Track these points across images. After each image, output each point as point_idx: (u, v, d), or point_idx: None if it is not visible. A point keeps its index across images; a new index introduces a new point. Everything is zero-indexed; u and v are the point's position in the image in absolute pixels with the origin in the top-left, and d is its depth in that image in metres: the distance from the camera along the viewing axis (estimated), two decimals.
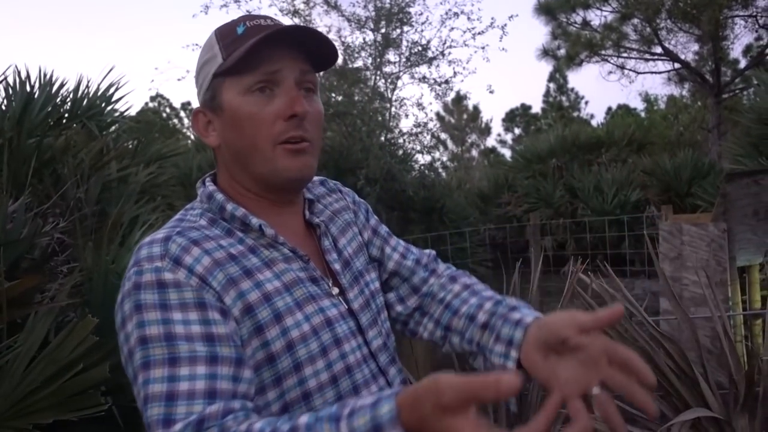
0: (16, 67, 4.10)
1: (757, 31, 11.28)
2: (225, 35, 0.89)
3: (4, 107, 3.69)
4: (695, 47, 11.78)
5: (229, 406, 0.73)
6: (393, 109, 9.56)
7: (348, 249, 1.00)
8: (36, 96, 3.71)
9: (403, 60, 9.43)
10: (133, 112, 4.90)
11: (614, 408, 0.72)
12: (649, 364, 1.47)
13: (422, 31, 9.55)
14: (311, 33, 0.87)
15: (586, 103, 37.08)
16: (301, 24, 0.89)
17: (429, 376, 0.61)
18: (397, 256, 1.07)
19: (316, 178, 1.06)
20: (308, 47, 0.88)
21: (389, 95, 9.53)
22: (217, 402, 0.73)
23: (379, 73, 9.56)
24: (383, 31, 9.40)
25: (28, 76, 3.99)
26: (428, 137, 9.75)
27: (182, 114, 32.00)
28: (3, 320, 1.42)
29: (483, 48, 9.64)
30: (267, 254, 0.88)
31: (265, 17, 0.90)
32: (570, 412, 0.69)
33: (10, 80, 3.88)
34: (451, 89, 9.78)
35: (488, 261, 8.55)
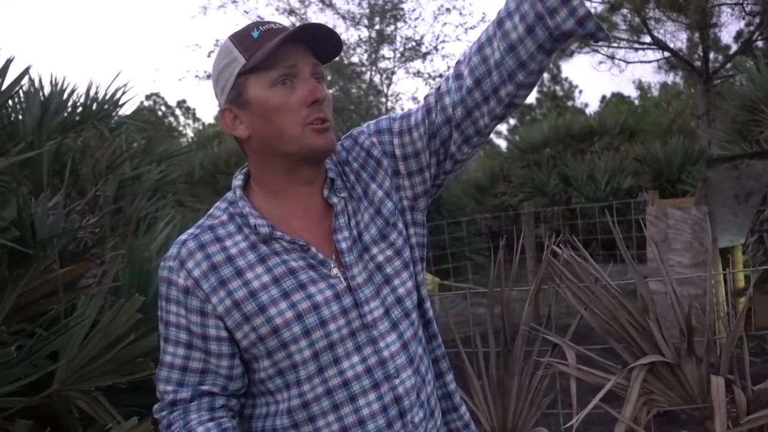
0: (29, 75, 4.29)
1: (744, 18, 11.47)
2: (242, 40, 1.04)
3: (20, 116, 3.89)
4: (684, 36, 11.98)
5: (198, 391, 1.06)
6: (389, 103, 9.76)
7: (361, 224, 1.08)
8: (51, 101, 3.91)
9: (398, 55, 9.63)
10: (129, 111, 5.08)
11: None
12: (612, 320, 1.71)
13: (416, 26, 9.76)
14: (321, 29, 1.03)
15: (581, 92, 37.21)
16: (303, 23, 1.02)
17: None
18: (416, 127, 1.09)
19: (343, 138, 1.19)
20: (317, 43, 1.04)
21: (385, 90, 9.73)
22: (186, 387, 1.06)
23: (374, 68, 9.75)
24: (377, 27, 9.58)
25: (40, 82, 4.20)
26: None
27: (177, 112, 32.15)
28: (60, 302, 1.64)
29: None
30: (265, 250, 1.04)
31: (273, 22, 1.07)
32: None
33: (26, 88, 4.08)
34: None
35: (485, 250, 8.77)
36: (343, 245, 1.07)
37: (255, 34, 1.03)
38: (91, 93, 4.55)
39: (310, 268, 1.04)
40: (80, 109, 4.41)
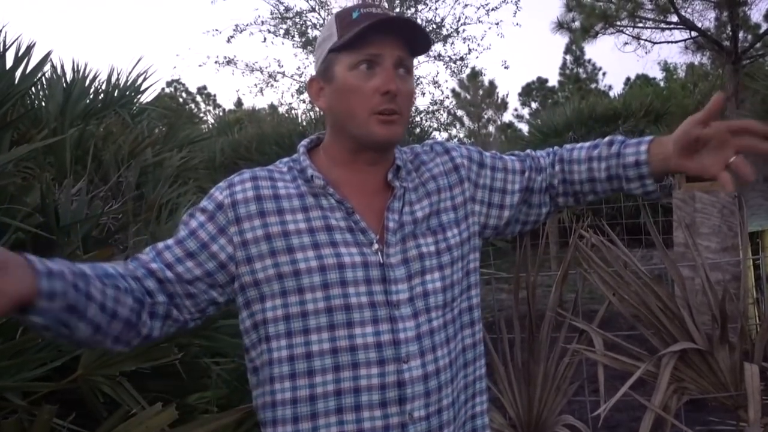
0: (51, 62, 4.32)
1: None
2: (342, 18, 1.09)
3: (44, 102, 3.92)
4: (712, 14, 11.68)
5: (150, 267, 1.05)
6: None
7: (418, 213, 1.13)
8: (74, 88, 3.94)
9: None
10: (150, 98, 5.11)
11: (749, 164, 1.00)
12: (641, 306, 1.67)
13: (436, 9, 9.65)
14: (410, 24, 1.08)
15: (604, 74, 36.68)
16: (394, 14, 1.07)
17: None
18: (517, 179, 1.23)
19: (428, 143, 1.25)
20: (406, 35, 1.07)
21: None
22: (154, 262, 1.06)
23: None
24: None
25: (63, 69, 4.23)
26: (444, 114, 9.88)
27: (198, 99, 32.34)
28: None
29: (497, 24, 9.73)
30: (311, 201, 1.09)
31: (377, 6, 1.13)
32: (733, 169, 0.99)
33: (48, 74, 4.11)
34: (467, 66, 9.90)
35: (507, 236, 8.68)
36: (391, 224, 1.10)
37: (355, 14, 1.08)
38: (113, 79, 4.58)
39: (348, 230, 1.08)
40: (102, 95, 4.44)
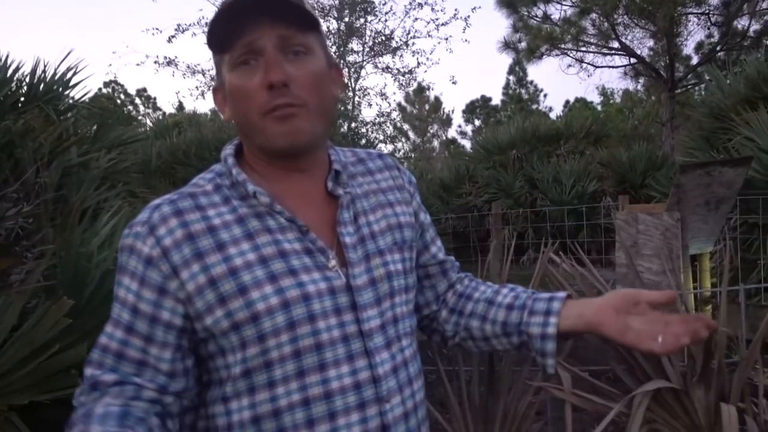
0: None
1: (709, 29, 11.66)
2: (214, 17, 0.88)
3: None
4: (650, 43, 12.11)
5: (127, 379, 0.86)
6: (356, 98, 9.57)
7: (374, 226, 0.97)
8: None
9: (367, 49, 9.45)
10: (86, 96, 4.76)
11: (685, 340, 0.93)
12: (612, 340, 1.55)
13: (386, 20, 9.64)
14: None
15: (545, 95, 37.72)
16: None
17: None
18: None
19: (374, 151, 1.08)
20: (283, 11, 0.87)
21: (352, 85, 9.53)
22: (117, 372, 0.87)
23: (342, 62, 9.55)
24: (347, 20, 9.38)
25: None
26: (391, 127, 9.81)
27: (137, 101, 31.26)
28: None
29: (446, 39, 9.75)
30: (255, 224, 0.89)
31: None
32: (661, 342, 0.92)
33: None
34: (415, 79, 9.88)
35: (451, 251, 8.66)
36: (347, 239, 0.93)
37: (220, 8, 0.87)
38: (38, 72, 4.23)
39: (306, 253, 0.89)
40: (25, 89, 4.09)
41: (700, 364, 1.32)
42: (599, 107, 25.50)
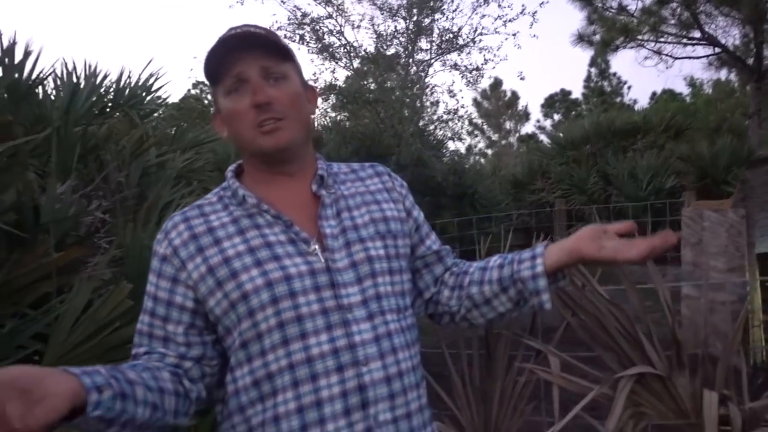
0: (63, 60, 4.39)
1: None
2: (208, 54, 1.10)
3: (53, 98, 3.98)
4: (735, 31, 11.51)
5: (153, 350, 1.08)
6: (424, 96, 9.69)
7: (357, 219, 1.14)
8: (81, 87, 3.99)
9: (435, 47, 9.55)
10: (176, 98, 5.15)
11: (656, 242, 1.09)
12: (599, 328, 1.63)
13: (453, 18, 9.65)
14: (254, 37, 1.09)
15: (629, 88, 36.32)
16: (240, 31, 1.08)
17: None
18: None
19: (367, 164, 1.28)
20: (263, 47, 1.09)
21: (421, 82, 9.66)
22: (147, 347, 1.09)
23: (411, 60, 9.68)
24: (415, 18, 9.50)
25: (74, 68, 4.29)
26: (459, 124, 9.86)
27: None
28: (53, 284, 1.66)
29: (514, 35, 9.69)
30: (246, 223, 1.09)
31: (242, 26, 1.12)
32: (635, 247, 1.08)
33: (58, 72, 4.17)
34: (482, 76, 9.87)
35: (517, 247, 8.62)
36: (327, 230, 1.10)
37: (214, 46, 1.10)
38: (123, 79, 4.63)
39: (289, 242, 1.08)
40: (111, 95, 4.49)
41: (681, 354, 1.40)
42: (688, 99, 24.31)
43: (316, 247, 1.08)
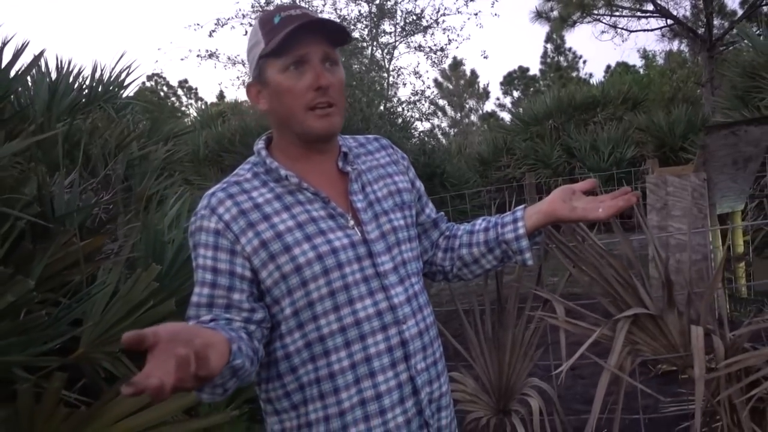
0: (44, 56, 4.36)
1: None
2: (265, 24, 1.17)
3: (30, 98, 3.97)
4: (687, 3, 11.88)
5: (218, 317, 1.12)
6: (390, 78, 9.80)
7: (378, 193, 1.24)
8: (58, 85, 3.99)
9: (399, 30, 9.64)
10: (131, 92, 5.15)
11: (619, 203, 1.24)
12: (598, 276, 1.81)
13: (416, 0, 9.76)
14: (329, 23, 1.16)
15: (585, 62, 36.91)
16: (312, 15, 1.15)
17: None
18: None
19: (371, 136, 1.37)
20: (327, 31, 1.16)
21: (386, 65, 9.75)
22: (207, 314, 1.12)
23: (375, 43, 9.76)
24: (377, 2, 9.56)
25: (47, 66, 4.28)
26: (426, 104, 10.00)
27: (180, 92, 32.17)
28: (82, 272, 1.75)
29: (476, 14, 9.83)
30: (290, 199, 1.17)
31: (296, 7, 1.18)
32: (602, 210, 1.23)
33: (33, 71, 4.15)
34: (447, 57, 10.02)
35: None
36: (359, 205, 1.21)
37: (276, 19, 1.15)
38: (97, 75, 4.63)
39: (329, 218, 1.17)
40: (86, 91, 4.49)
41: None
42: (641, 71, 24.80)
43: (352, 221, 1.19)
